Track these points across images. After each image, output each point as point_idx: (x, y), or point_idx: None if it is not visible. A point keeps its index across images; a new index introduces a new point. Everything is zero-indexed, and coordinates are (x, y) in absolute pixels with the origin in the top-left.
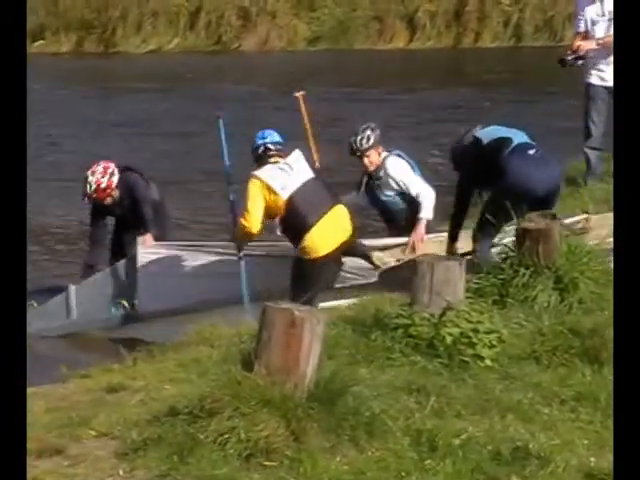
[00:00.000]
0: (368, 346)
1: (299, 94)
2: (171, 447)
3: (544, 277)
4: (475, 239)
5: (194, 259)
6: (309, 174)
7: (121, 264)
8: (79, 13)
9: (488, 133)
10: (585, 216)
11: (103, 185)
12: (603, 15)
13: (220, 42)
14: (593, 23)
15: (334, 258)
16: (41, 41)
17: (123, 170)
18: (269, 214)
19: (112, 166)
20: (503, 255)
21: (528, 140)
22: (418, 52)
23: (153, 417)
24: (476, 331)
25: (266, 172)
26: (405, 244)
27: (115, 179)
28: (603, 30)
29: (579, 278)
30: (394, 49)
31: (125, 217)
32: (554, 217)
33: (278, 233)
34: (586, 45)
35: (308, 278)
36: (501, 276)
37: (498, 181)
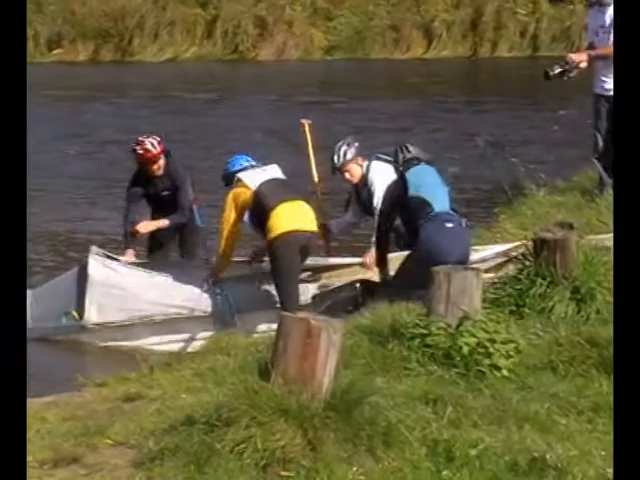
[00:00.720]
0: (385, 356)
1: (305, 122)
2: (188, 456)
3: (561, 287)
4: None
5: (145, 274)
6: (280, 175)
7: (73, 272)
8: (96, 22)
9: (417, 182)
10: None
11: (153, 150)
12: (603, 27)
13: (237, 51)
14: (596, 34)
15: (298, 243)
16: (58, 50)
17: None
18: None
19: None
20: (520, 266)
21: (447, 207)
22: (434, 61)
23: (170, 426)
24: (493, 341)
25: (241, 173)
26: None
27: (162, 150)
28: (604, 42)
29: (596, 289)
30: (410, 58)
31: (159, 198)
32: (571, 227)
33: (247, 227)
34: (576, 57)
35: (278, 259)
36: (518, 286)
37: (412, 244)
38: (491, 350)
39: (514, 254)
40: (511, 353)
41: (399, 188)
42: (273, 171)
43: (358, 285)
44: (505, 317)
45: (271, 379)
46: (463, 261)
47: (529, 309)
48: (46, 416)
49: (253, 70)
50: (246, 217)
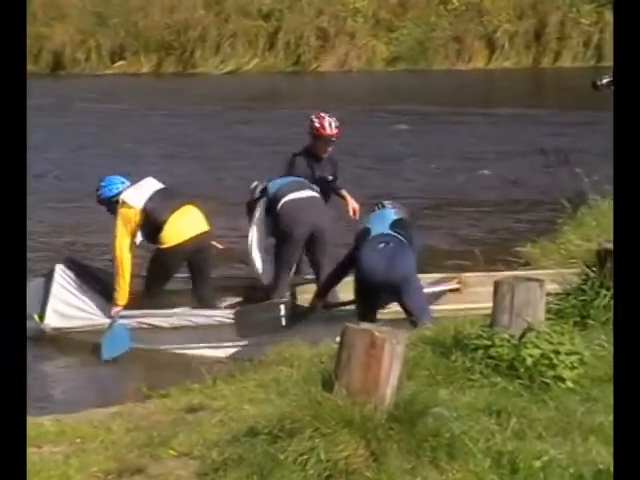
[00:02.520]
0: (448, 367)
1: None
2: (251, 467)
3: None
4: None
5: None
6: (159, 185)
7: (40, 279)
8: (159, 34)
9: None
10: (454, 275)
11: (329, 130)
12: None
13: (299, 62)
14: None
15: (191, 248)
16: (121, 61)
17: None
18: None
19: None
20: (584, 277)
21: (386, 229)
22: (497, 72)
23: (233, 437)
24: (557, 352)
25: (124, 194)
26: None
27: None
28: None
29: None
30: (473, 69)
31: (325, 181)
32: None
33: (137, 242)
34: None
35: (164, 266)
36: (582, 297)
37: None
38: (555, 361)
39: (448, 287)
40: (575, 365)
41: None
42: (151, 184)
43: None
44: (569, 328)
45: (334, 390)
46: (392, 279)
47: (593, 320)
48: (111, 426)
49: (316, 81)
50: (139, 236)
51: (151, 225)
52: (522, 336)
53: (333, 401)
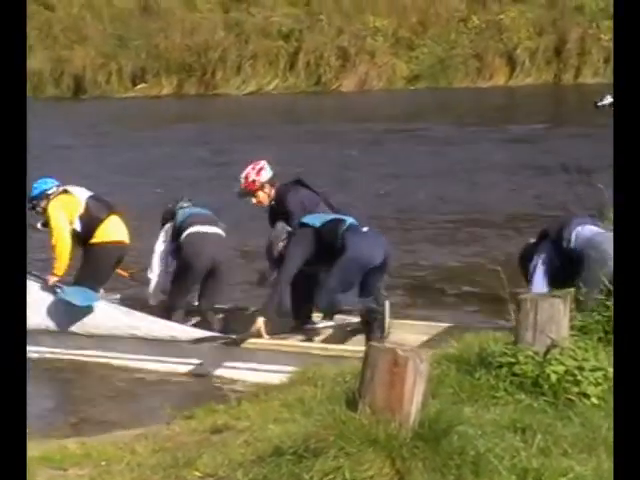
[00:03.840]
0: (472, 385)
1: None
2: None
3: None
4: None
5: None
6: (88, 192)
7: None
8: (179, 56)
9: (314, 217)
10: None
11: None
12: None
13: (320, 82)
14: None
15: (117, 253)
16: (143, 84)
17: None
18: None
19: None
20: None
21: (354, 220)
22: (518, 89)
23: (258, 457)
24: (581, 369)
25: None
26: None
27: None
28: None
29: None
30: (494, 86)
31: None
32: None
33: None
34: None
35: (95, 262)
36: (606, 313)
37: (340, 256)
38: (580, 378)
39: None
40: (600, 381)
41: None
42: (79, 189)
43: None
44: (593, 344)
45: (359, 409)
46: (387, 258)
47: None
48: (136, 448)
49: (336, 101)
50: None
51: (89, 217)
52: (546, 353)
53: (357, 420)
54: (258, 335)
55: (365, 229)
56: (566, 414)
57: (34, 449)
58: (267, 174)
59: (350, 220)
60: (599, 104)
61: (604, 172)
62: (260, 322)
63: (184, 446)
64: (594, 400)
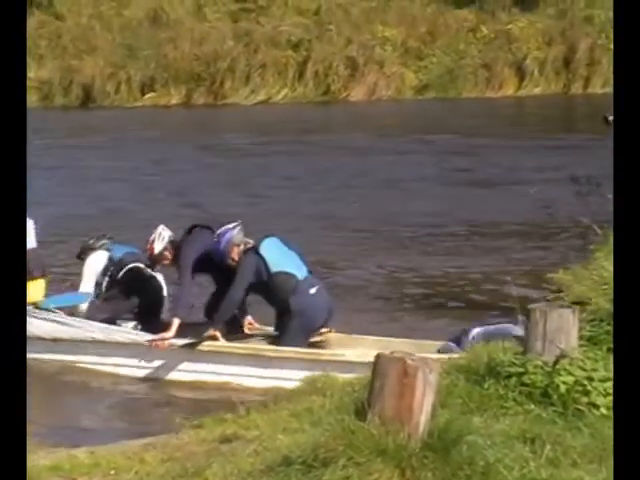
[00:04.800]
0: (481, 395)
1: None
2: None
3: None
4: None
5: None
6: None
7: None
8: (188, 66)
9: (274, 257)
10: (327, 330)
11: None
12: None
13: (328, 92)
14: None
15: None
16: (151, 93)
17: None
18: None
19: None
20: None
21: (305, 272)
22: (527, 99)
23: (267, 467)
24: (591, 379)
25: None
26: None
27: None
28: None
29: None
30: (503, 97)
31: None
32: None
33: None
34: None
35: None
36: None
37: (287, 318)
38: (589, 388)
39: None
40: (609, 391)
41: (257, 270)
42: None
43: None
44: (602, 355)
45: (368, 419)
46: (330, 316)
47: None
48: (145, 457)
49: (345, 111)
50: None
51: None
52: (555, 363)
53: (366, 430)
54: (213, 339)
55: (312, 291)
56: (575, 424)
57: (44, 458)
58: (161, 244)
59: (301, 273)
60: (609, 118)
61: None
62: (213, 332)
63: (193, 456)
64: (603, 411)
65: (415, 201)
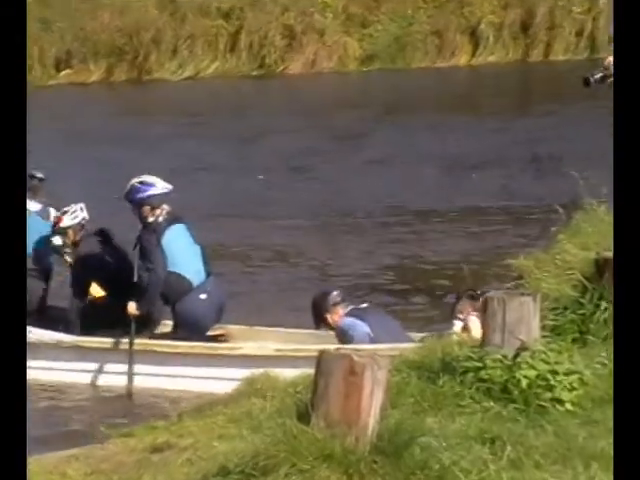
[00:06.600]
0: (435, 393)
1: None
2: None
3: None
4: None
5: None
6: None
7: None
8: (108, 38)
9: (172, 253)
10: (225, 327)
11: None
12: None
13: (264, 65)
14: None
15: None
16: (67, 70)
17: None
18: None
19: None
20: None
21: (202, 276)
22: (482, 68)
23: (202, 477)
24: (554, 373)
25: None
26: None
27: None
28: None
29: None
30: (455, 66)
31: None
32: None
33: None
34: None
35: None
36: (580, 311)
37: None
38: (553, 383)
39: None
40: (575, 385)
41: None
42: None
43: None
44: (567, 346)
45: (312, 422)
46: (220, 314)
47: (593, 336)
48: (67, 471)
49: (283, 85)
50: None
51: None
52: (516, 356)
53: (310, 434)
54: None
55: (203, 296)
56: (538, 422)
57: None
58: (70, 221)
59: (197, 278)
60: (591, 79)
61: (577, 158)
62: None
63: (121, 467)
64: (568, 406)
65: (365, 184)
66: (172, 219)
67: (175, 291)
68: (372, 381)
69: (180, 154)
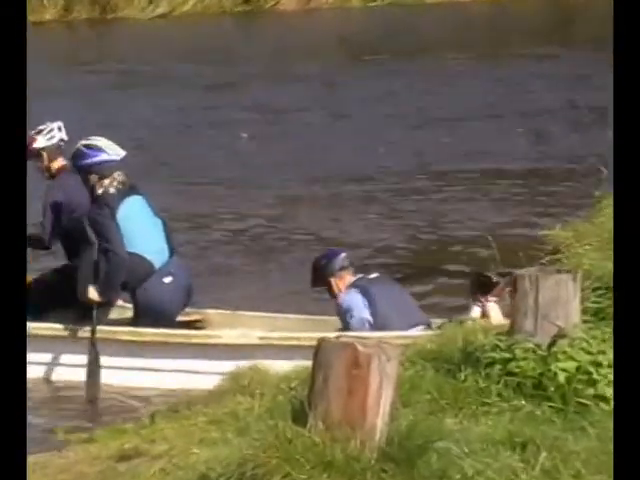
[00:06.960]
0: (456, 389)
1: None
2: None
3: None
4: None
5: None
6: None
7: None
8: None
9: (130, 231)
10: (202, 312)
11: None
12: None
13: (250, 0)
14: None
15: None
16: None
17: None
18: None
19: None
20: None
21: (165, 257)
22: (508, 2)
23: None
24: (597, 364)
25: None
26: None
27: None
28: None
29: None
30: (475, 1)
31: None
32: None
33: None
34: None
35: None
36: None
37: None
38: (595, 376)
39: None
40: None
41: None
42: None
43: None
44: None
45: (308, 424)
46: (189, 298)
47: None
48: None
49: (275, 25)
50: None
51: None
52: (551, 345)
53: (307, 438)
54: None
55: (167, 280)
56: (578, 424)
57: None
58: (45, 141)
59: (156, 263)
60: None
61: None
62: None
63: (83, 478)
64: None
65: (370, 146)
66: (127, 190)
67: (135, 275)
68: (380, 375)
69: (141, 108)
